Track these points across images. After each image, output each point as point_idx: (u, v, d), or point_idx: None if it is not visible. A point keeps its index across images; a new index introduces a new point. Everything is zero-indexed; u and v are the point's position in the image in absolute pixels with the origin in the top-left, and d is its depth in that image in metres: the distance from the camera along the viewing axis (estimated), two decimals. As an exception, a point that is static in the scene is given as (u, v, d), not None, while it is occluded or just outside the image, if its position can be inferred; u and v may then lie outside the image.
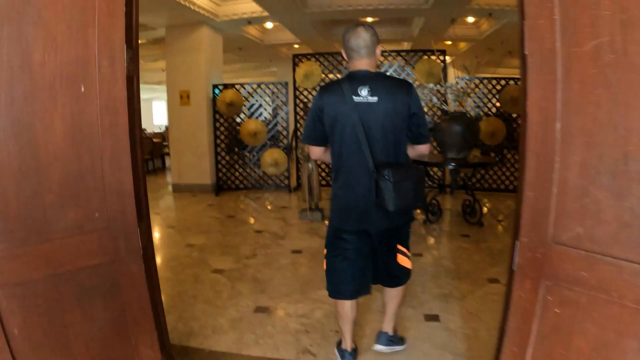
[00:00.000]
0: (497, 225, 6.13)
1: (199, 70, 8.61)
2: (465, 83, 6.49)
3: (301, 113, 8.57)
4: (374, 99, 2.21)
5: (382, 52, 7.79)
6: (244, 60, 14.96)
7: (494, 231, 5.82)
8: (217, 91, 8.63)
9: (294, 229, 5.98)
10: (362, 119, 2.21)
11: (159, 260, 4.77)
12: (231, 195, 8.51)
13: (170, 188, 9.30)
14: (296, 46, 11.73)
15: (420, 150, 2.41)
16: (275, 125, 8.61)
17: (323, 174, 8.52)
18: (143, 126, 11.85)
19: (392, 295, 2.70)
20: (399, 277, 2.61)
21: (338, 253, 2.43)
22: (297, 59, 8.42)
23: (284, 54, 13.01)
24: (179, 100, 8.80)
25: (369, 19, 9.47)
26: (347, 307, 2.51)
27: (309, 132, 2.38)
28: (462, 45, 12.14)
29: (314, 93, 8.44)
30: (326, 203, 7.02)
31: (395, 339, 2.85)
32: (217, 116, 8.66)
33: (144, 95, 24.22)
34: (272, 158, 8.35)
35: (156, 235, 5.89)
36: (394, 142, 2.27)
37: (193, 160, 8.85)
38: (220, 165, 8.79)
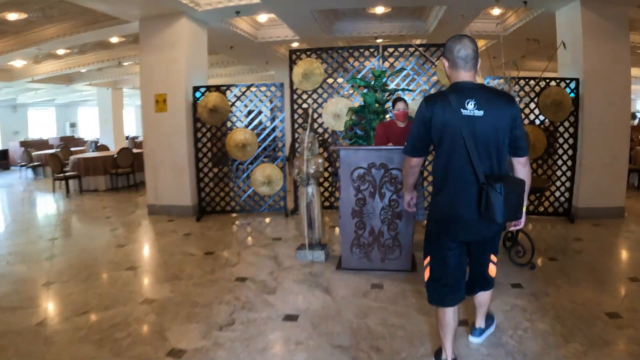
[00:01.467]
0: (554, 267, 4.68)
1: (177, 70, 7.24)
2: (508, 84, 5.04)
3: (299, 121, 7.15)
4: (480, 112, 2.24)
5: (397, 47, 6.50)
6: (238, 62, 13.59)
7: (552, 277, 4.38)
8: (198, 95, 7.20)
9: (289, 275, 4.53)
10: (471, 132, 2.23)
11: (98, 328, 3.34)
12: (215, 221, 7.07)
13: (146, 210, 7.85)
14: (295, 44, 10.35)
15: (521, 163, 2.44)
16: (269, 135, 7.17)
17: (326, 193, 7.09)
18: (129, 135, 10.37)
19: (484, 299, 2.90)
20: (489, 282, 2.76)
21: (443, 260, 2.48)
22: (294, 56, 7.01)
23: (282, 54, 11.63)
24: (154, 105, 7.41)
25: (380, 9, 8.06)
26: (450, 314, 2.53)
27: (414, 142, 2.46)
28: (480, 43, 10.76)
29: (314, 96, 7.04)
30: (332, 236, 5.63)
31: (487, 323, 3.09)
32: (199, 124, 7.24)
33: (133, 101, 22.93)
34: (265, 175, 6.93)
35: (108, 281, 4.47)
36: (497, 155, 2.29)
37: (171, 178, 7.47)
38: (202, 184, 7.37)
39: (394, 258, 4.38)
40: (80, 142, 19.67)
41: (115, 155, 10.71)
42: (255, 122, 7.22)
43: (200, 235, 6.28)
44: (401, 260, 4.38)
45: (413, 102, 6.43)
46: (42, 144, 18.59)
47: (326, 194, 7.12)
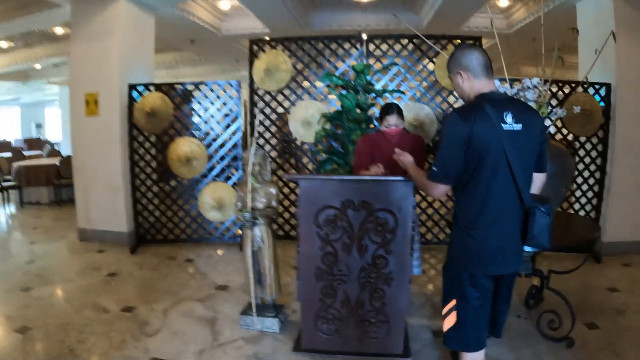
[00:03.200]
0: (597, 340, 3.30)
1: (110, 64, 5.72)
2: (543, 88, 3.58)
3: (261, 129, 5.68)
4: (519, 126, 2.03)
5: (386, 38, 5.11)
6: (205, 61, 12.13)
7: (599, 358, 2.99)
8: (137, 95, 5.70)
9: (225, 358, 3.07)
10: (515, 150, 2.02)
11: None
12: (154, 254, 5.55)
13: (77, 235, 6.32)
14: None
15: (542, 180, 2.30)
16: (223, 146, 5.68)
17: (280, 220, 5.62)
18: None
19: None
20: (500, 330, 2.44)
21: (473, 302, 2.17)
22: (256, 47, 5.55)
23: (251, 51, 10.17)
24: (85, 107, 5.89)
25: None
26: (482, 356, 2.30)
27: (447, 167, 2.09)
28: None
29: (280, 98, 5.58)
30: (288, 299, 4.15)
31: None
32: (136, 132, 5.74)
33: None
34: (215, 197, 5.43)
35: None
36: (530, 173, 2.14)
37: (104, 197, 5.94)
38: (140, 206, 5.85)
39: (377, 337, 2.93)
40: (44, 145, 18.03)
41: (57, 164, 9.24)
42: (205, 129, 5.73)
43: (128, 277, 4.78)
44: (389, 341, 2.93)
45: (404, 107, 5.02)
46: (4, 145, 17.02)
47: (280, 220, 5.65)
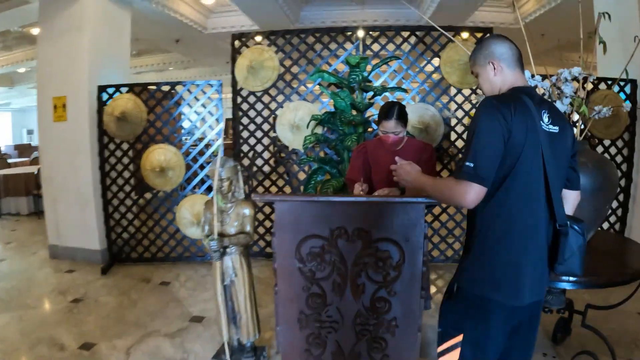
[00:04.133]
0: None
1: (79, 63, 5.12)
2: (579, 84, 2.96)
3: (245, 134, 5.07)
4: (555, 128, 1.75)
5: (384, 30, 4.56)
6: (195, 63, 11.55)
7: None
8: (107, 98, 5.10)
9: None
10: (553, 155, 1.72)
11: None
12: (126, 274, 4.95)
13: (47, 252, 5.71)
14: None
15: (576, 199, 1.92)
16: (202, 154, 5.07)
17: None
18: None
19: None
20: None
21: (483, 334, 1.79)
22: (238, 42, 4.94)
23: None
24: (52, 112, 5.30)
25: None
26: None
27: (487, 161, 1.63)
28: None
29: (266, 99, 4.98)
30: (271, 334, 3.52)
31: None
32: (107, 139, 5.13)
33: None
34: (194, 213, 4.81)
35: None
36: (562, 185, 1.83)
37: (75, 211, 5.35)
38: (113, 222, 5.24)
39: (379, 396, 2.31)
40: (33, 151, 17.54)
41: (35, 173, 8.66)
42: (182, 134, 5.13)
43: (94, 304, 4.18)
44: (394, 400, 2.31)
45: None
46: None
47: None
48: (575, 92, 2.49)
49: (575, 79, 2.43)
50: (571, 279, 2.29)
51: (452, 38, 3.88)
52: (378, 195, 2.46)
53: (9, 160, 12.99)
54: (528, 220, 1.75)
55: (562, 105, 2.71)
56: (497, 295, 1.76)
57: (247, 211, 2.55)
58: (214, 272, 2.64)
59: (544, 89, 2.69)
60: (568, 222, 1.76)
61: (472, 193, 1.63)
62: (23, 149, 17.50)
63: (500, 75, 1.84)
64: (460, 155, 5.22)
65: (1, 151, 16.85)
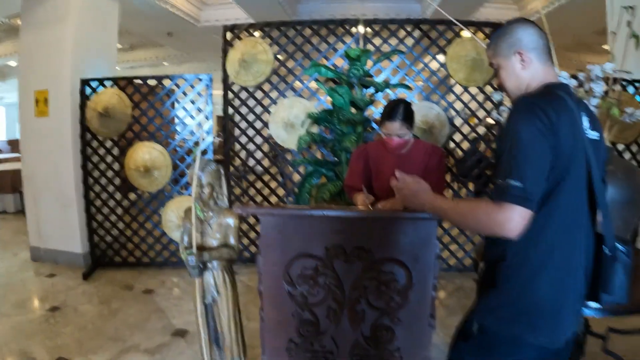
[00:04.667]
0: None
1: (62, 56, 4.82)
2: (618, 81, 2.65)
3: (235, 132, 4.76)
4: (596, 135, 1.47)
5: (387, 23, 4.26)
6: (190, 58, 11.25)
7: None
8: (91, 92, 4.78)
9: None
10: (598, 166, 1.43)
11: None
12: (109, 280, 4.64)
13: (29, 254, 5.41)
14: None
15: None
16: (190, 153, 4.76)
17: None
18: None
19: None
20: None
21: None
22: (230, 34, 4.63)
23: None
24: (34, 106, 4.99)
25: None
26: None
27: (536, 178, 1.32)
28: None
29: (259, 95, 4.67)
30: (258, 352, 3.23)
31: None
32: (90, 135, 4.82)
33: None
34: (180, 215, 4.50)
35: None
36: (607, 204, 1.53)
37: (56, 212, 5.06)
38: (96, 224, 4.93)
39: None
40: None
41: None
42: (168, 132, 4.81)
43: (72, 314, 3.89)
44: None
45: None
46: None
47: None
48: (606, 92, 2.19)
49: (606, 77, 2.12)
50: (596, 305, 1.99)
51: (467, 29, 3.53)
52: (382, 207, 2.14)
53: (1, 156, 12.72)
54: (571, 248, 1.47)
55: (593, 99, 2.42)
56: (532, 337, 1.46)
57: (231, 221, 2.24)
58: (194, 289, 2.33)
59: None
60: (616, 244, 1.49)
61: (519, 220, 1.31)
62: (16, 144, 17.23)
63: (529, 69, 1.51)
64: (487, 170, 4.86)
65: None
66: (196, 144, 4.75)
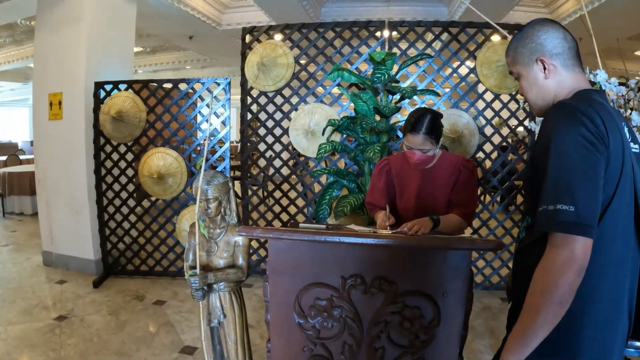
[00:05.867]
0: None
1: (77, 58, 4.71)
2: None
3: (256, 138, 4.58)
4: (637, 147, 1.32)
5: (414, 26, 4.03)
6: (212, 62, 11.15)
7: None
8: (105, 95, 4.67)
9: None
10: (638, 180, 1.26)
11: None
12: (121, 289, 4.51)
13: (41, 258, 5.32)
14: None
15: None
16: (207, 160, 4.59)
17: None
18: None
19: None
20: None
21: None
22: (249, 37, 4.45)
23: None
24: (48, 109, 4.90)
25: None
26: None
27: (590, 202, 1.12)
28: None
29: (278, 101, 4.49)
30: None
31: None
32: (103, 140, 4.70)
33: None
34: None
35: None
36: None
37: (69, 217, 4.95)
38: (108, 230, 4.80)
39: None
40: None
41: (37, 171, 8.39)
42: (184, 137, 4.64)
43: (78, 324, 3.74)
44: None
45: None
46: (11, 147, 16.32)
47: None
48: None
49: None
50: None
51: (502, 30, 3.28)
52: (408, 230, 1.90)
53: (22, 157, 12.83)
54: (622, 278, 1.27)
55: (638, 118, 2.16)
56: None
57: (240, 240, 2.03)
58: (202, 310, 2.13)
59: (619, 96, 2.14)
60: None
61: (581, 252, 1.11)
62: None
63: (554, 77, 1.33)
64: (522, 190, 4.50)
65: (18, 147, 16.79)
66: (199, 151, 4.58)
